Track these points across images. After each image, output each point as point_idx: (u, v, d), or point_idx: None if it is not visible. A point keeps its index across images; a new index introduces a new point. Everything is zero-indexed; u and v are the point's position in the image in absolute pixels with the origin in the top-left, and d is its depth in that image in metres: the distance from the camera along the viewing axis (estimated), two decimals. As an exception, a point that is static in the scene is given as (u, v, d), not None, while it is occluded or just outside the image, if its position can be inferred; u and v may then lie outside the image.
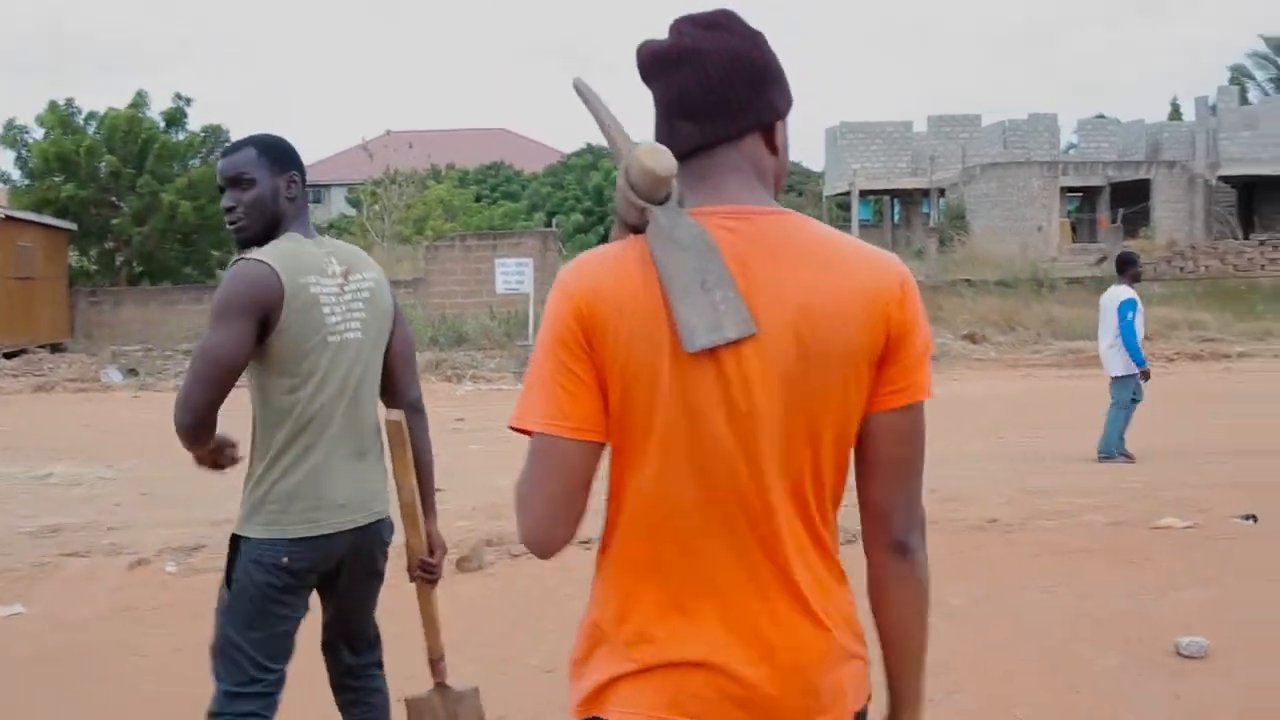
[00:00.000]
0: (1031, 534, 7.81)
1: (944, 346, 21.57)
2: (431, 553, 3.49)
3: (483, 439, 13.29)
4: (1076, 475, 10.11)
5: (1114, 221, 42.41)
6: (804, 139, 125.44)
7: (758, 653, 1.78)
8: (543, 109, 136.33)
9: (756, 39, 1.88)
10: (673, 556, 1.81)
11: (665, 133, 1.86)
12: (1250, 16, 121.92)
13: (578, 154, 53.51)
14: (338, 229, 35.64)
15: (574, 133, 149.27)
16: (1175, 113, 57.18)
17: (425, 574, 3.49)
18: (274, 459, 3.19)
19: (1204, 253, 28.59)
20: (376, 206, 34.83)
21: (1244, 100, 47.70)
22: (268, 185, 3.26)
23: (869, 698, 1.91)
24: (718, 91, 1.83)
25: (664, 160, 1.76)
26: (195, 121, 30.56)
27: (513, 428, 1.83)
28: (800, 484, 1.80)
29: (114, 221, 28.41)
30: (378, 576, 3.45)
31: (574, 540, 1.84)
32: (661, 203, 1.78)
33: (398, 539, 3.46)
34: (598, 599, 1.89)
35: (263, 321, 3.08)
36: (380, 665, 3.63)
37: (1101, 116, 49.93)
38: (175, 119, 29.75)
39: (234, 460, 3.40)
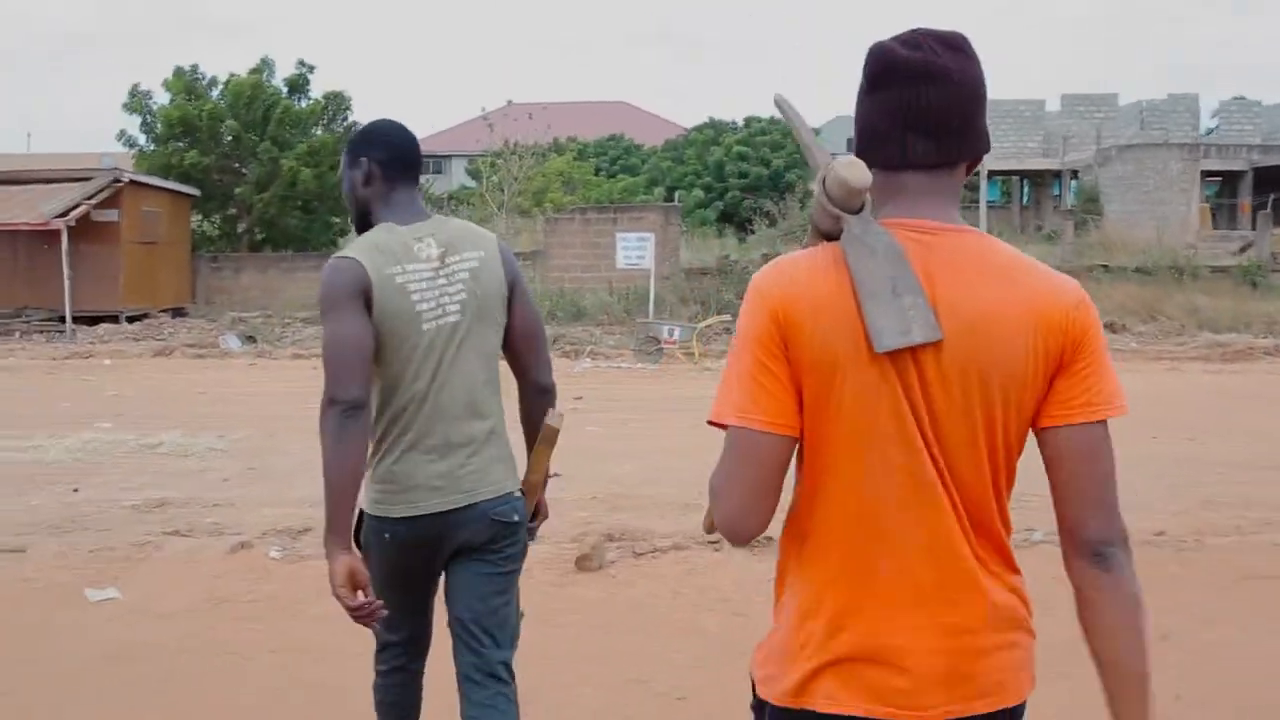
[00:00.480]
0: (1210, 554, 7.02)
1: (1082, 335, 20.57)
2: (533, 517, 3.53)
3: (601, 420, 12.76)
4: (1246, 485, 9.26)
5: (1260, 208, 40.63)
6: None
7: (940, 639, 1.91)
8: (663, 84, 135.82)
9: (980, 69, 1.96)
10: (864, 548, 1.93)
11: (894, 141, 1.93)
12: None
13: (698, 129, 53.08)
14: (457, 200, 35.31)
15: (694, 107, 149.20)
16: (1324, 95, 54.64)
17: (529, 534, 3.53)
18: (379, 440, 3.23)
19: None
20: (495, 178, 34.50)
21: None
22: (347, 178, 3.36)
23: (1032, 687, 1.99)
24: (962, 117, 1.92)
25: (860, 174, 1.88)
26: (317, 88, 30.49)
27: (711, 422, 1.96)
28: (973, 482, 1.92)
29: (236, 189, 28.48)
30: (494, 560, 3.33)
31: (767, 529, 1.94)
32: (856, 212, 1.90)
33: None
34: (790, 587, 2.03)
35: (368, 306, 3.11)
36: (512, 671, 3.41)
37: (1241, 98, 47.89)
38: (298, 86, 29.65)
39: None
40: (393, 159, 3.29)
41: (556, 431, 3.39)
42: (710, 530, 2.24)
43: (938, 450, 1.89)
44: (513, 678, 3.38)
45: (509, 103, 39.67)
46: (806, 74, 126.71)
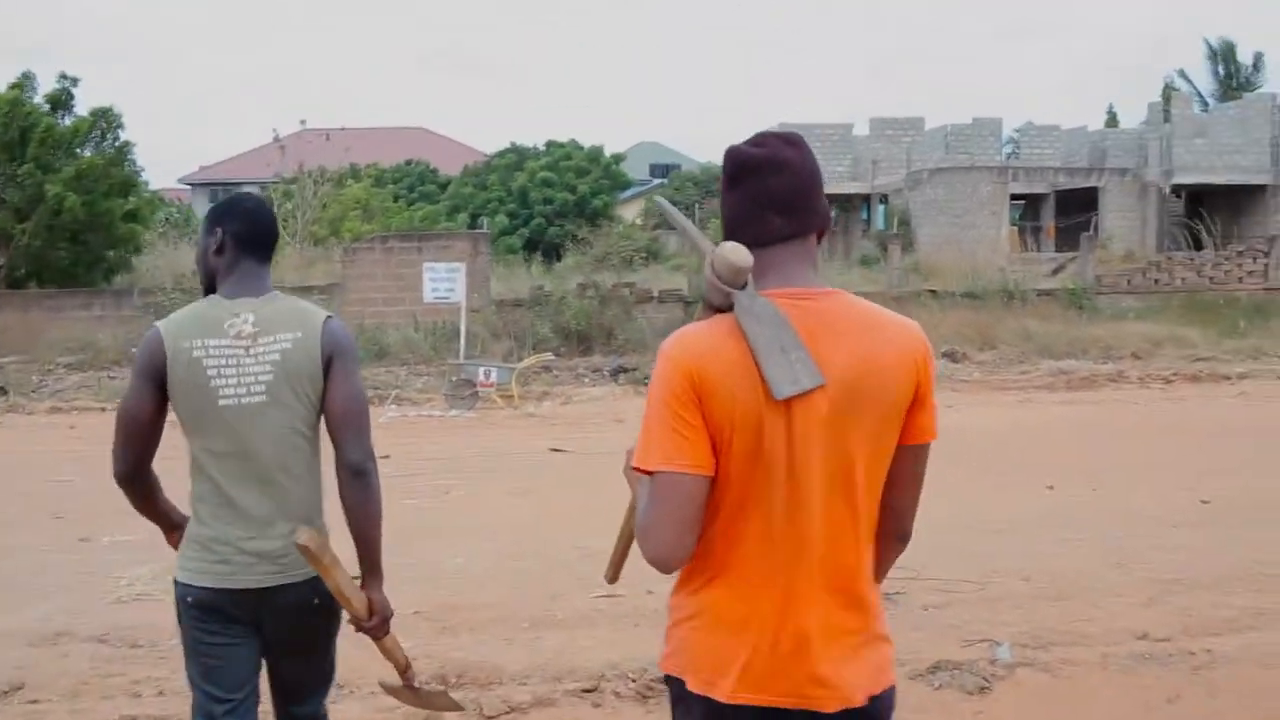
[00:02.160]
0: (1232, 668, 5.53)
1: (924, 366, 19.45)
2: (371, 617, 3.38)
3: (416, 488, 10.66)
4: (1190, 551, 7.90)
5: (1064, 230, 40.91)
6: (734, 140, 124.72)
7: (838, 638, 2.41)
8: (460, 109, 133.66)
9: (814, 158, 2.51)
10: (778, 564, 2.38)
11: (757, 221, 2.46)
12: (1172, 28, 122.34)
13: (500, 154, 51.81)
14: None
15: (494, 133, 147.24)
16: (1113, 120, 56.04)
17: (370, 635, 3.44)
18: (192, 509, 3.32)
19: (1180, 264, 26.78)
20: (290, 205, 32.26)
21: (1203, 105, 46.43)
22: (201, 244, 3.43)
23: (893, 683, 2.49)
24: (804, 195, 2.47)
25: (743, 255, 2.37)
26: (84, 106, 27.54)
27: (637, 468, 2.38)
28: (854, 496, 2.40)
29: (-8, 217, 25.41)
30: (305, 636, 3.40)
31: (688, 561, 2.38)
32: (741, 288, 2.37)
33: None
34: (705, 600, 2.44)
35: (159, 383, 3.21)
36: (321, 715, 3.59)
37: (1029, 124, 48.38)
38: (60, 102, 26.56)
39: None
40: (245, 233, 3.33)
41: (307, 548, 3.16)
42: (612, 580, 2.94)
43: (825, 476, 2.36)
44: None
45: (302, 124, 37.45)
46: (609, 98, 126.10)
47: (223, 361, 3.18)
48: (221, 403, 3.17)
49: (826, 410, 2.33)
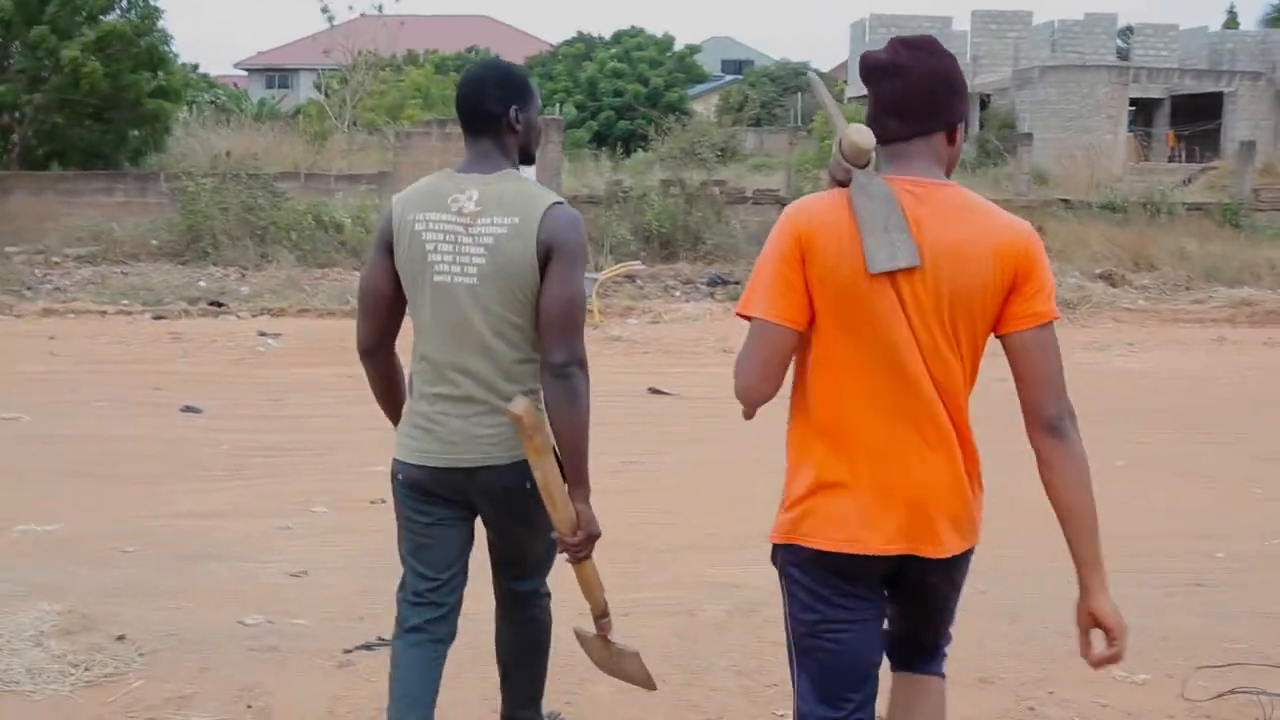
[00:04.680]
0: None
1: (1079, 289, 16.35)
2: (575, 532, 3.26)
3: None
4: None
5: (1183, 138, 37.34)
6: (822, 36, 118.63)
7: (916, 488, 2.58)
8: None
9: (951, 60, 2.65)
10: (856, 418, 2.58)
11: (876, 123, 2.62)
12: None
13: (569, 43, 49.06)
14: (307, 116, 30.37)
15: (559, 22, 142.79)
16: (1232, 21, 51.73)
17: (568, 553, 3.32)
18: (411, 383, 3.31)
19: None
20: (344, 91, 29.69)
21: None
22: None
23: (977, 542, 2.69)
24: (917, 100, 2.60)
25: (866, 138, 2.56)
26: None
27: (739, 314, 2.64)
28: (944, 373, 2.56)
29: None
30: (517, 520, 3.36)
31: (773, 398, 2.58)
32: (863, 167, 2.55)
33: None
34: (793, 449, 2.69)
35: (390, 251, 3.23)
36: (539, 595, 3.61)
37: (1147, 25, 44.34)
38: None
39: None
40: (463, 110, 3.32)
41: (519, 417, 3.11)
42: (748, 416, 2.80)
43: (917, 349, 2.54)
44: (541, 597, 3.60)
45: (360, 14, 34.54)
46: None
47: (440, 237, 3.17)
48: (436, 279, 3.17)
49: (921, 289, 2.51)
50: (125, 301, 15.05)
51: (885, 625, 2.82)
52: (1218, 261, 18.72)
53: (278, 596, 5.22)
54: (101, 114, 23.04)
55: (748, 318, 2.61)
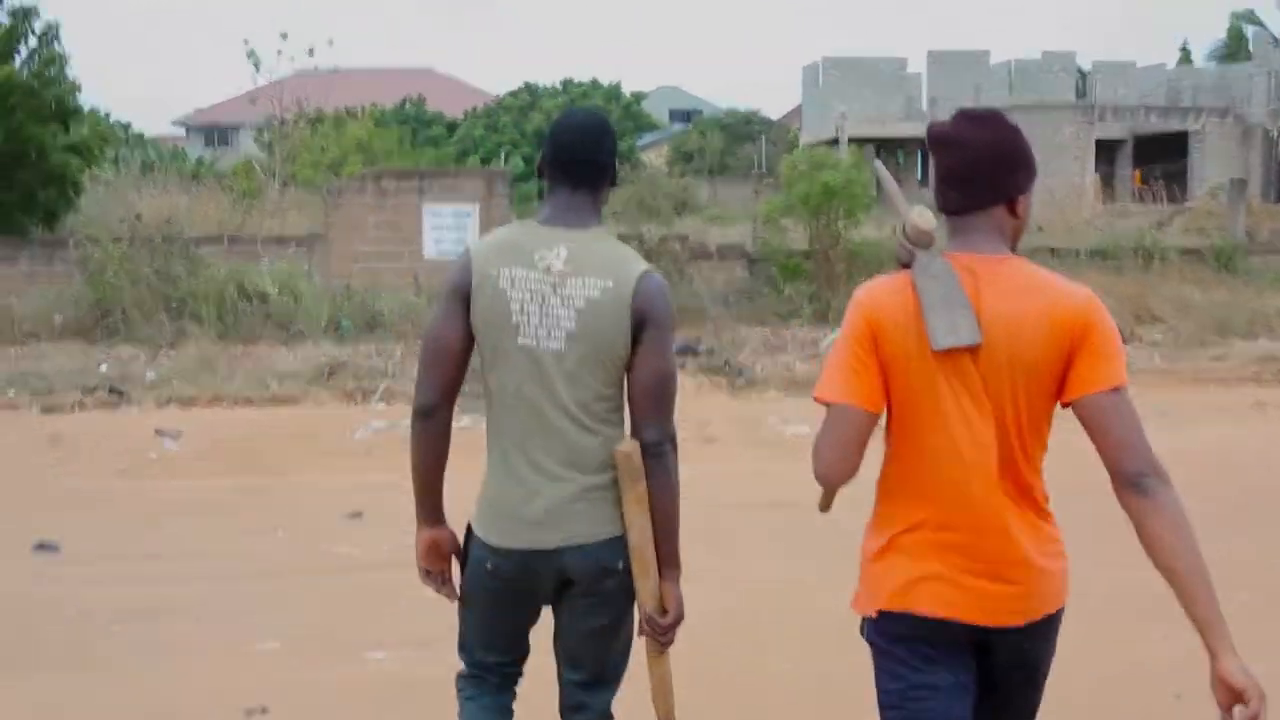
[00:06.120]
0: None
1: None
2: (665, 612, 3.14)
3: (394, 577, 6.07)
4: None
5: (1149, 179, 36.23)
6: (769, 84, 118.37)
7: (983, 566, 2.65)
8: (466, 52, 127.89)
9: (1012, 133, 2.78)
10: (936, 488, 2.68)
11: (939, 193, 2.77)
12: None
13: (513, 94, 47.82)
14: (234, 174, 28.84)
15: (503, 76, 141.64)
16: (1186, 57, 51.01)
17: (653, 635, 3.16)
18: (488, 454, 3.17)
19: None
20: (282, 147, 28.21)
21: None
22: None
23: (1063, 605, 2.74)
24: (976, 173, 2.71)
25: (928, 220, 2.71)
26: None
27: (816, 398, 2.73)
28: (1011, 447, 2.66)
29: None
30: (595, 607, 3.14)
31: (852, 478, 2.68)
32: (926, 248, 2.68)
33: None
34: (880, 517, 2.81)
35: (467, 305, 3.08)
36: (596, 709, 3.28)
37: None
38: (-18, 11, 21.70)
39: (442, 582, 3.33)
40: (554, 157, 3.18)
41: (628, 455, 3.05)
42: (825, 509, 3.01)
43: (984, 423, 2.64)
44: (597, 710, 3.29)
45: (293, 64, 33.09)
46: (626, 39, 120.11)
47: (527, 296, 3.06)
48: (520, 341, 3.06)
49: (985, 364, 2.63)
50: (12, 392, 13.08)
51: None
52: (1226, 311, 17.23)
53: None
54: (4, 172, 21.05)
55: (826, 403, 2.72)
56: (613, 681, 3.28)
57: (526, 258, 3.05)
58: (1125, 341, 14.67)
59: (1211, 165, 34.93)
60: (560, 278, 3.03)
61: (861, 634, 2.81)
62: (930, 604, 2.66)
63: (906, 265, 2.71)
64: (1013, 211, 2.74)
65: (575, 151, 3.13)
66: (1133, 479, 2.54)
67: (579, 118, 3.23)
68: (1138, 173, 36.56)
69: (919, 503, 2.69)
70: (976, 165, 2.70)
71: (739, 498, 8.43)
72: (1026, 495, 2.67)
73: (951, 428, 2.63)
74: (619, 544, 3.07)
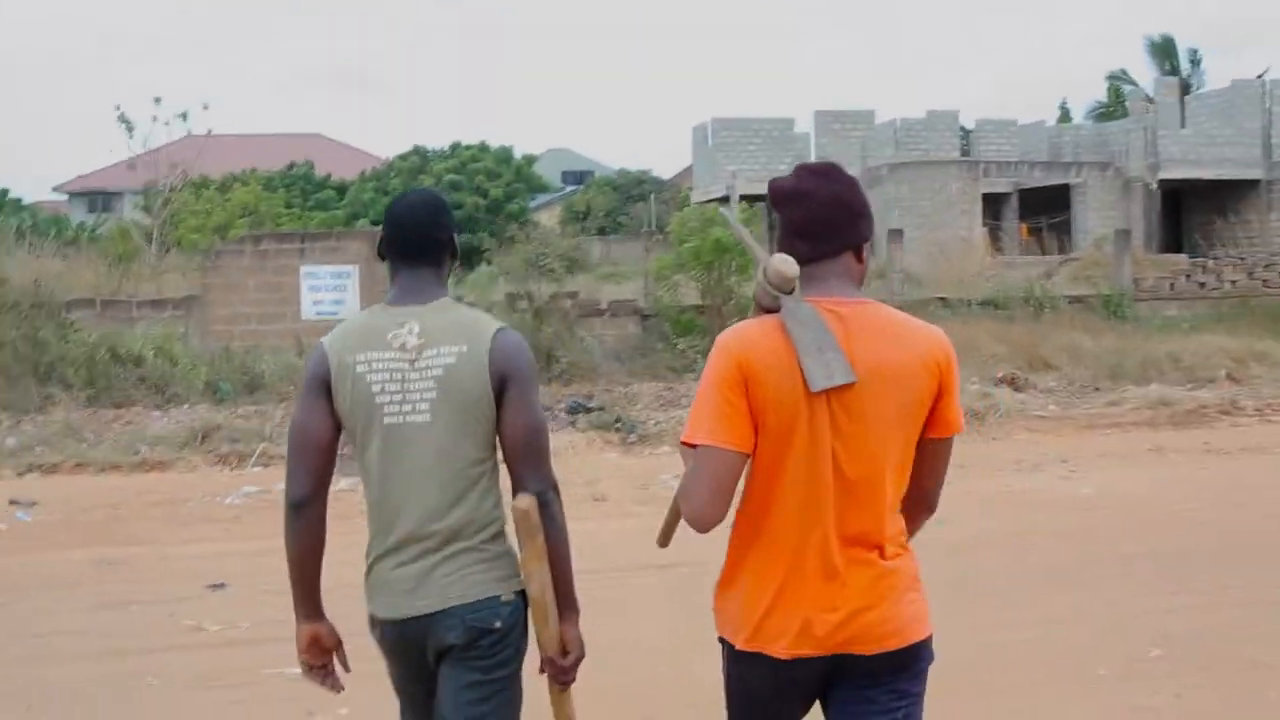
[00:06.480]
0: None
1: (984, 397, 14.61)
2: (565, 654, 3.17)
3: (248, 655, 5.87)
4: None
5: (1035, 231, 36.79)
6: (659, 146, 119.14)
7: (841, 598, 2.74)
8: (355, 119, 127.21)
9: (852, 185, 2.90)
10: (793, 528, 2.76)
11: (786, 246, 2.85)
12: (1119, 21, 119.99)
13: (402, 157, 47.44)
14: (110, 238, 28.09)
15: (393, 136, 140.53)
16: (1065, 116, 52.17)
17: (554, 676, 3.18)
18: (370, 533, 3.18)
19: (1229, 265, 22.44)
20: (164, 212, 27.56)
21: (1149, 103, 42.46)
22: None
23: (928, 630, 2.83)
24: (822, 223, 2.83)
25: (791, 266, 2.77)
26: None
27: (684, 442, 2.77)
28: (881, 480, 2.76)
29: None
30: (477, 677, 3.09)
31: (721, 520, 2.71)
32: (789, 294, 2.76)
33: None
34: (733, 552, 2.87)
35: (328, 397, 3.09)
36: None
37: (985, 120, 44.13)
38: None
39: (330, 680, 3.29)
40: (390, 238, 3.23)
41: (526, 513, 3.06)
42: (663, 544, 3.15)
43: (851, 459, 2.73)
44: None
45: (188, 133, 32.16)
46: (515, 103, 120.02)
47: (386, 376, 3.08)
48: (386, 420, 3.07)
49: (856, 403, 2.71)
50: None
51: None
52: (1117, 358, 17.27)
53: None
54: None
55: (695, 445, 2.73)
56: None
57: (380, 340, 3.08)
58: (1019, 389, 14.64)
59: (1094, 217, 35.46)
60: (416, 352, 3.06)
61: (722, 652, 2.91)
62: (781, 644, 2.75)
63: (768, 310, 2.80)
64: (858, 257, 2.87)
65: (413, 231, 3.19)
66: (933, 510, 2.97)
67: (412, 198, 3.28)
68: (1024, 225, 37.07)
69: (772, 542, 2.77)
70: (823, 217, 2.81)
71: (628, 558, 7.96)
72: (873, 535, 2.77)
73: (816, 466, 2.72)
74: (504, 604, 3.10)
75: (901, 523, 2.85)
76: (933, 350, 2.78)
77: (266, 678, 5.83)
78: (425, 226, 3.20)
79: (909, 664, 2.79)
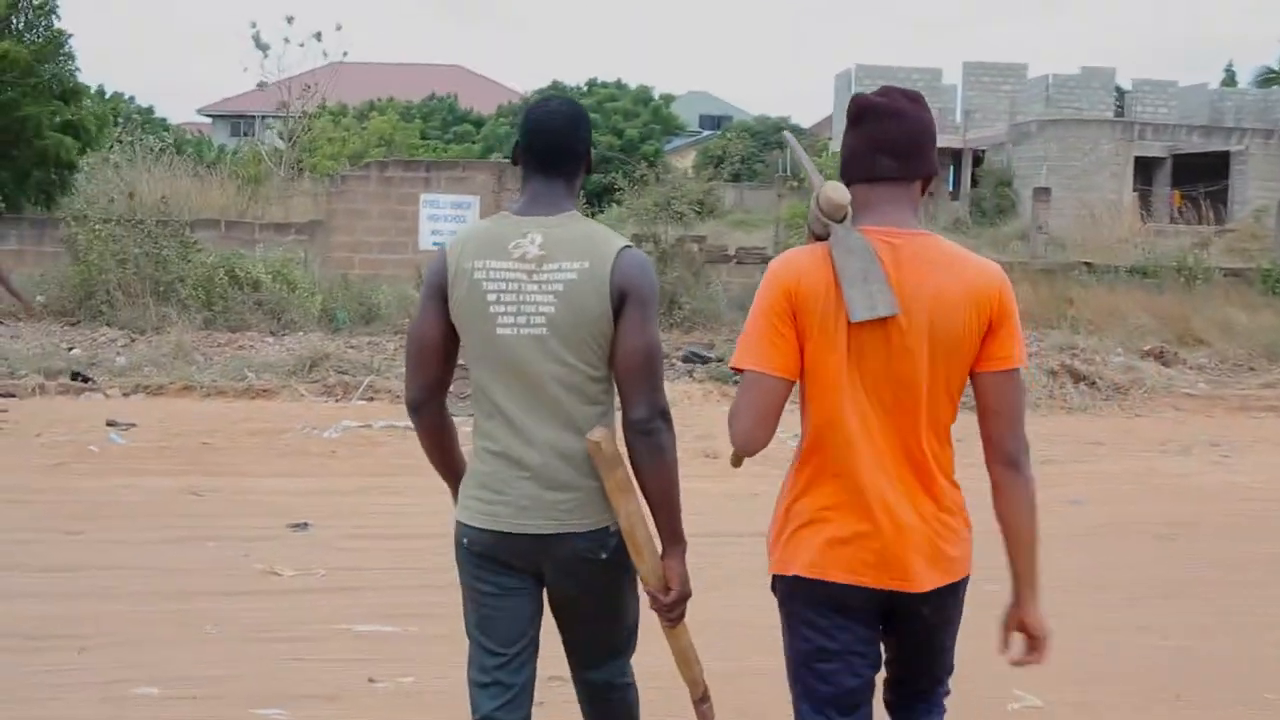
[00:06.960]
0: None
1: (1129, 370, 13.70)
2: (667, 590, 3.08)
3: (323, 604, 5.45)
4: None
5: (1189, 198, 35.09)
6: (800, 93, 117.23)
7: (896, 525, 2.73)
8: (496, 53, 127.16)
9: (933, 118, 2.86)
10: (845, 458, 2.74)
11: (869, 159, 2.79)
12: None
13: (540, 92, 46.58)
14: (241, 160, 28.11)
15: (534, 72, 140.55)
16: (1230, 80, 49.78)
17: (659, 611, 3.11)
18: (475, 443, 3.12)
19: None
20: (302, 138, 27.55)
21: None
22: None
23: (968, 574, 2.84)
24: (915, 143, 2.80)
25: (843, 194, 2.74)
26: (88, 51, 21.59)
27: (733, 367, 2.80)
28: (918, 410, 2.73)
29: None
30: (591, 596, 3.14)
31: (766, 446, 2.75)
32: (840, 221, 2.72)
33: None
34: (790, 488, 2.86)
35: (444, 302, 3.06)
36: (615, 687, 3.31)
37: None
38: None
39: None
40: (527, 146, 3.15)
41: (598, 445, 2.97)
42: (737, 464, 3.01)
43: (901, 390, 2.72)
44: (620, 688, 3.31)
45: (323, 54, 32.15)
46: (657, 44, 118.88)
47: (503, 286, 3.02)
48: (500, 331, 3.01)
49: (897, 333, 2.69)
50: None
51: (882, 670, 2.92)
52: (1274, 336, 16.16)
53: None
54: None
55: (742, 370, 2.77)
56: (612, 661, 3.31)
57: (500, 249, 3.03)
58: (1167, 364, 13.65)
59: (1254, 187, 33.80)
60: (536, 263, 3.01)
61: (772, 590, 2.91)
62: (839, 571, 2.75)
63: (819, 237, 2.79)
64: (924, 189, 2.86)
65: (553, 139, 3.12)
66: (1010, 455, 2.80)
67: (553, 105, 3.18)
68: (1177, 192, 35.41)
69: (827, 473, 2.78)
70: (915, 136, 2.81)
71: (731, 525, 7.35)
72: (923, 467, 2.77)
73: (867, 397, 2.73)
74: (603, 535, 3.05)
75: (950, 454, 2.83)
76: (984, 284, 2.75)
77: (333, 633, 5.40)
78: (563, 135, 3.13)
79: (949, 600, 2.83)
